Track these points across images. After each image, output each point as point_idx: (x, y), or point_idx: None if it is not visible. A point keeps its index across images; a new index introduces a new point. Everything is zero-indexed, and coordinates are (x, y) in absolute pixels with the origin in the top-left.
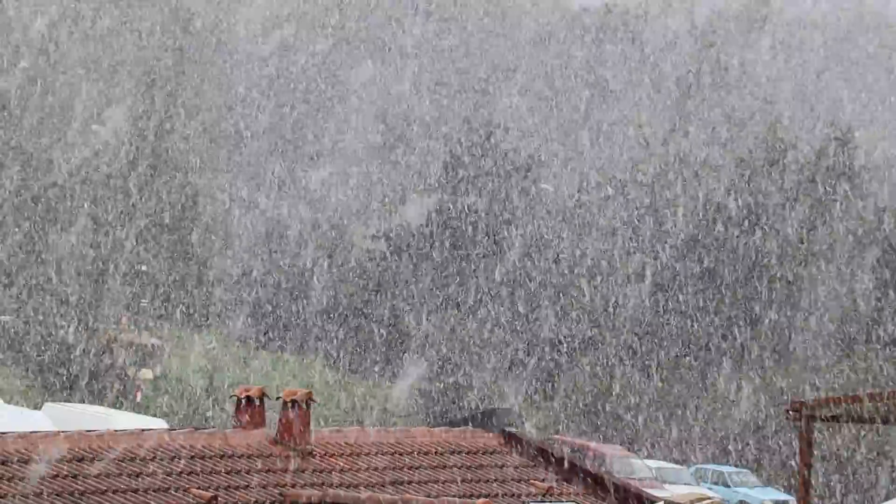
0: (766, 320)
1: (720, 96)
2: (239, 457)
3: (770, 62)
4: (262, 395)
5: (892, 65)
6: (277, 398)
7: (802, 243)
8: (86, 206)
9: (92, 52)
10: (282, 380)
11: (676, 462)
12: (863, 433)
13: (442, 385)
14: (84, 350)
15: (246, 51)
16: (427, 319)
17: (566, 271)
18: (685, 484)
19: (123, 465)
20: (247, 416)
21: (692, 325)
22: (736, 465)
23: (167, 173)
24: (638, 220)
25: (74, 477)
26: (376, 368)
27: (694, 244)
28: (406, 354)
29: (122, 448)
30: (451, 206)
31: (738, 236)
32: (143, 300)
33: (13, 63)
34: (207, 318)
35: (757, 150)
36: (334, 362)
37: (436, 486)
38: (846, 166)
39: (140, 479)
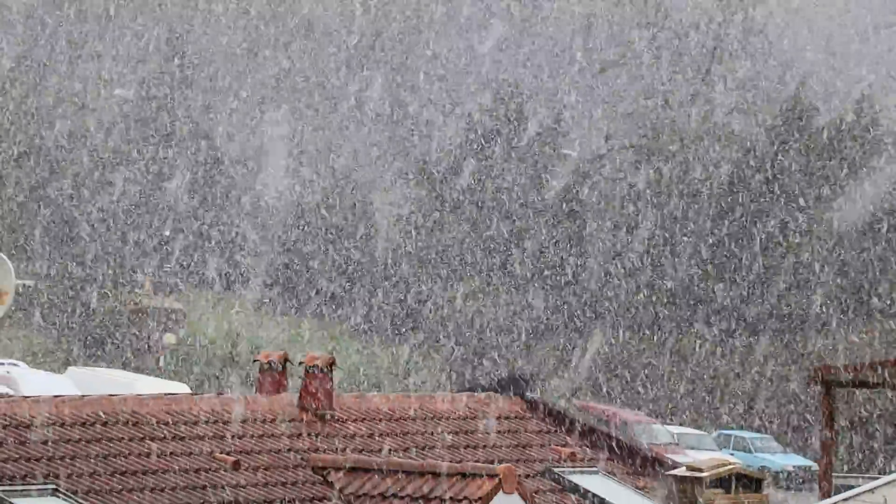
0: (789, 286)
1: (744, 62)
2: (262, 422)
3: (795, 27)
4: (285, 361)
5: None
6: (300, 363)
7: (824, 211)
8: (108, 170)
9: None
10: (304, 345)
11: (698, 428)
12: (887, 399)
13: (464, 351)
14: (108, 314)
15: (260, 13)
16: (450, 286)
17: (589, 238)
18: (707, 450)
19: (146, 429)
20: (269, 381)
21: (715, 291)
22: (759, 432)
23: (189, 138)
24: (661, 187)
25: (98, 441)
26: (400, 333)
27: (717, 210)
28: (430, 319)
29: (146, 412)
30: (472, 172)
31: (761, 202)
32: (167, 265)
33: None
34: (231, 284)
35: (781, 116)
36: (357, 328)
37: (458, 451)
38: (870, 131)
39: (163, 444)
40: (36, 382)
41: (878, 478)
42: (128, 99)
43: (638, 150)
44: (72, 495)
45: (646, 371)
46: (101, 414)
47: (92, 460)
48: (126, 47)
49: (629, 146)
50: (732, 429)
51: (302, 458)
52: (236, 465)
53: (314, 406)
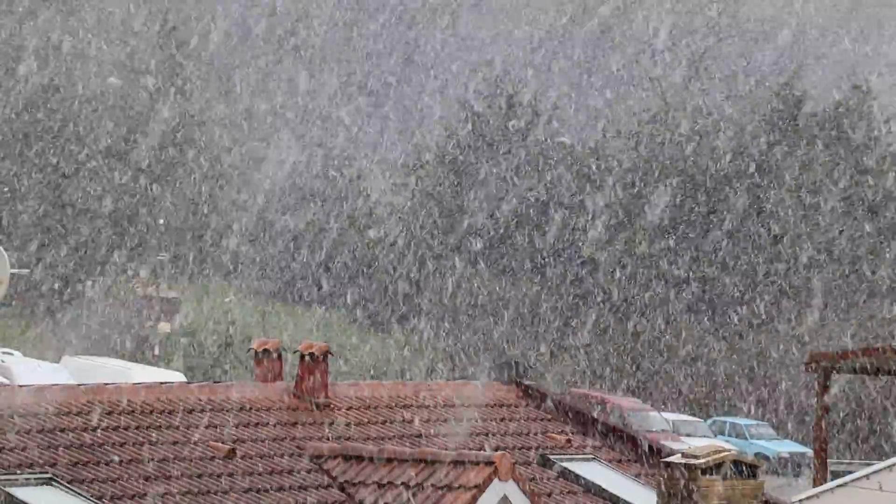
0: (782, 272)
1: (739, 47)
2: (257, 410)
3: (788, 12)
4: (280, 349)
5: None
6: (295, 352)
7: (818, 194)
8: (104, 159)
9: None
10: (299, 333)
11: (693, 415)
12: (882, 385)
13: (459, 339)
14: (102, 303)
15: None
16: (445, 272)
17: (583, 222)
18: (702, 436)
19: (141, 418)
20: (264, 370)
21: (708, 277)
22: (754, 418)
23: (185, 126)
24: (653, 173)
25: (93, 430)
26: (394, 322)
27: (711, 195)
28: (424, 307)
29: (140, 401)
30: (468, 160)
31: (754, 186)
32: (161, 254)
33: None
34: (226, 272)
35: (774, 102)
36: (353, 316)
37: (453, 438)
38: (864, 116)
39: (158, 432)
40: (31, 371)
41: (873, 464)
42: (119, 86)
43: (632, 137)
44: (67, 484)
45: (641, 357)
46: (96, 403)
47: (87, 449)
48: (118, 33)
49: (624, 133)
50: (728, 415)
51: (297, 447)
52: (231, 454)
53: (309, 394)
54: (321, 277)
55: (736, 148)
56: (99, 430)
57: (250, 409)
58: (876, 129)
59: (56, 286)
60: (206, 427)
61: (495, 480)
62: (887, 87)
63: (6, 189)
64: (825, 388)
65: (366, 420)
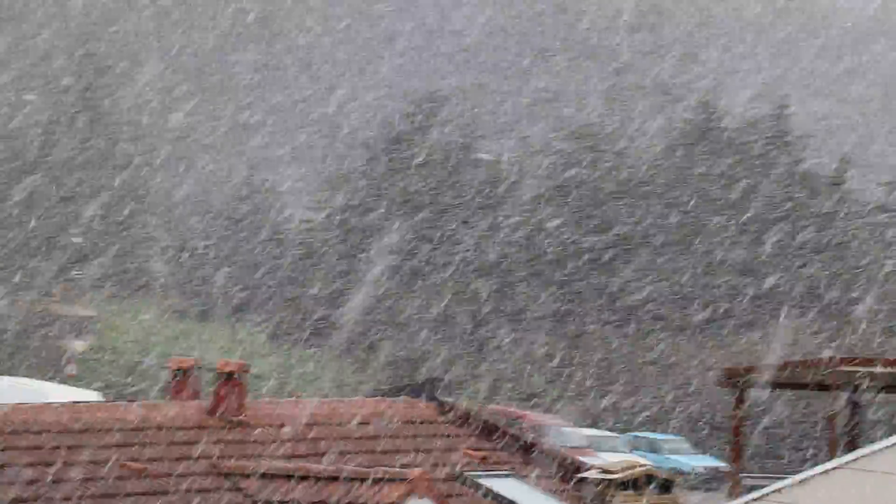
0: (702, 286)
1: (655, 68)
2: (172, 429)
3: (705, 35)
4: (196, 367)
5: (823, 36)
6: (212, 370)
7: (736, 212)
8: (21, 176)
9: (27, 18)
10: (217, 351)
11: (610, 430)
12: (795, 399)
13: (377, 354)
14: (16, 322)
15: (188, 20)
16: (362, 288)
17: (503, 240)
18: (619, 452)
19: (56, 438)
20: (181, 388)
21: (621, 289)
22: (670, 433)
23: (104, 143)
24: (572, 188)
25: (5, 450)
26: (312, 340)
27: (630, 211)
28: (342, 325)
29: (54, 421)
30: (390, 177)
31: (670, 205)
32: (76, 271)
33: None
34: (142, 290)
35: (691, 121)
36: (271, 334)
37: (371, 455)
38: (780, 134)
39: (71, 453)
40: None
41: (786, 478)
42: (36, 104)
43: (556, 153)
44: None
45: (560, 373)
46: (10, 423)
47: None
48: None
49: (545, 149)
50: (644, 430)
51: (212, 465)
52: (145, 473)
53: (225, 412)
54: (237, 295)
55: (652, 162)
56: (9, 451)
57: (166, 428)
58: (791, 145)
59: None
60: (121, 446)
61: (413, 497)
62: (805, 105)
63: None
64: (740, 403)
65: (283, 438)
